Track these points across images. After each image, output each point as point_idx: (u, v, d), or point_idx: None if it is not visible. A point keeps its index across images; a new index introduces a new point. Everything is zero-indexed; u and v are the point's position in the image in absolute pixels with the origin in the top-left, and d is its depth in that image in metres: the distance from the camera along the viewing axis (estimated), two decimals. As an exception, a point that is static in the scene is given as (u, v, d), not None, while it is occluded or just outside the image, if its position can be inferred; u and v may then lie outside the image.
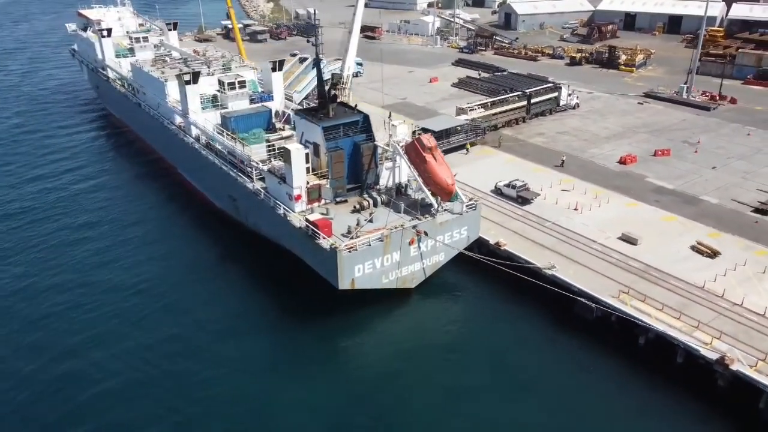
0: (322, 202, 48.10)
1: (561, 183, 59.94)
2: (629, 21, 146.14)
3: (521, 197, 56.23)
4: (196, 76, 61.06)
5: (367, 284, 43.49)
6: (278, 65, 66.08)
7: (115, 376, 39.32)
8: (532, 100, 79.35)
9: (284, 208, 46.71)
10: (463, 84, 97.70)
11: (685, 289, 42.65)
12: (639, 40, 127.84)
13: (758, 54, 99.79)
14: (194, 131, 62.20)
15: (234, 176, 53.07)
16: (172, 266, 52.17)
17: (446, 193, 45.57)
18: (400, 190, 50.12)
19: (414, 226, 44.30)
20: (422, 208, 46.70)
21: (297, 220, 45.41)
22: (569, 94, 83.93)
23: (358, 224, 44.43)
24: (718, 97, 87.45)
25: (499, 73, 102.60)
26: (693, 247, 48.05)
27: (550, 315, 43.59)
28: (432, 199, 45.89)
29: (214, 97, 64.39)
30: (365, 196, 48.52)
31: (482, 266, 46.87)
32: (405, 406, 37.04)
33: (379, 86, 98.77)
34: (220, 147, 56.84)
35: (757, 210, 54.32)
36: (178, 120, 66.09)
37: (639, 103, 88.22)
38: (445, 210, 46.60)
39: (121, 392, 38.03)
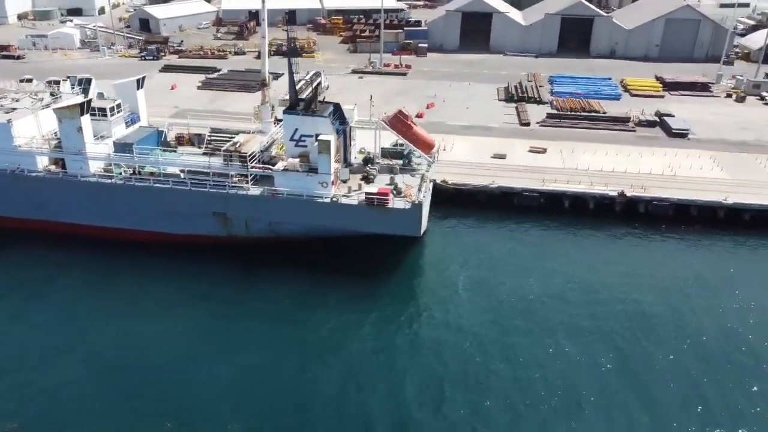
0: (338, 183, 54.56)
1: (411, 137, 77.47)
2: (254, 17, 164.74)
3: (408, 152, 71.79)
4: (88, 105, 54.01)
5: (423, 228, 54.18)
6: (142, 82, 62.39)
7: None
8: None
9: (326, 196, 51.74)
10: (208, 85, 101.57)
11: (562, 171, 67.71)
12: (272, 33, 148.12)
13: (395, 32, 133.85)
14: (92, 167, 55.16)
15: (225, 191, 52.72)
16: (196, 304, 49.53)
17: (430, 148, 58.70)
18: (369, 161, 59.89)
19: (423, 176, 56.64)
20: (403, 167, 58.79)
21: (353, 199, 51.71)
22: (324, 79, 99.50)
23: (396, 186, 53.95)
24: (401, 66, 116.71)
25: (220, 71, 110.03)
26: (530, 150, 73.71)
27: (511, 215, 62.39)
28: (426, 156, 58.24)
29: (86, 127, 57.27)
30: (368, 168, 57.01)
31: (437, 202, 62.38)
32: (499, 313, 48.82)
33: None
34: (176, 170, 54.10)
35: (523, 124, 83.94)
36: (43, 163, 56.18)
37: (359, 77, 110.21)
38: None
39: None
